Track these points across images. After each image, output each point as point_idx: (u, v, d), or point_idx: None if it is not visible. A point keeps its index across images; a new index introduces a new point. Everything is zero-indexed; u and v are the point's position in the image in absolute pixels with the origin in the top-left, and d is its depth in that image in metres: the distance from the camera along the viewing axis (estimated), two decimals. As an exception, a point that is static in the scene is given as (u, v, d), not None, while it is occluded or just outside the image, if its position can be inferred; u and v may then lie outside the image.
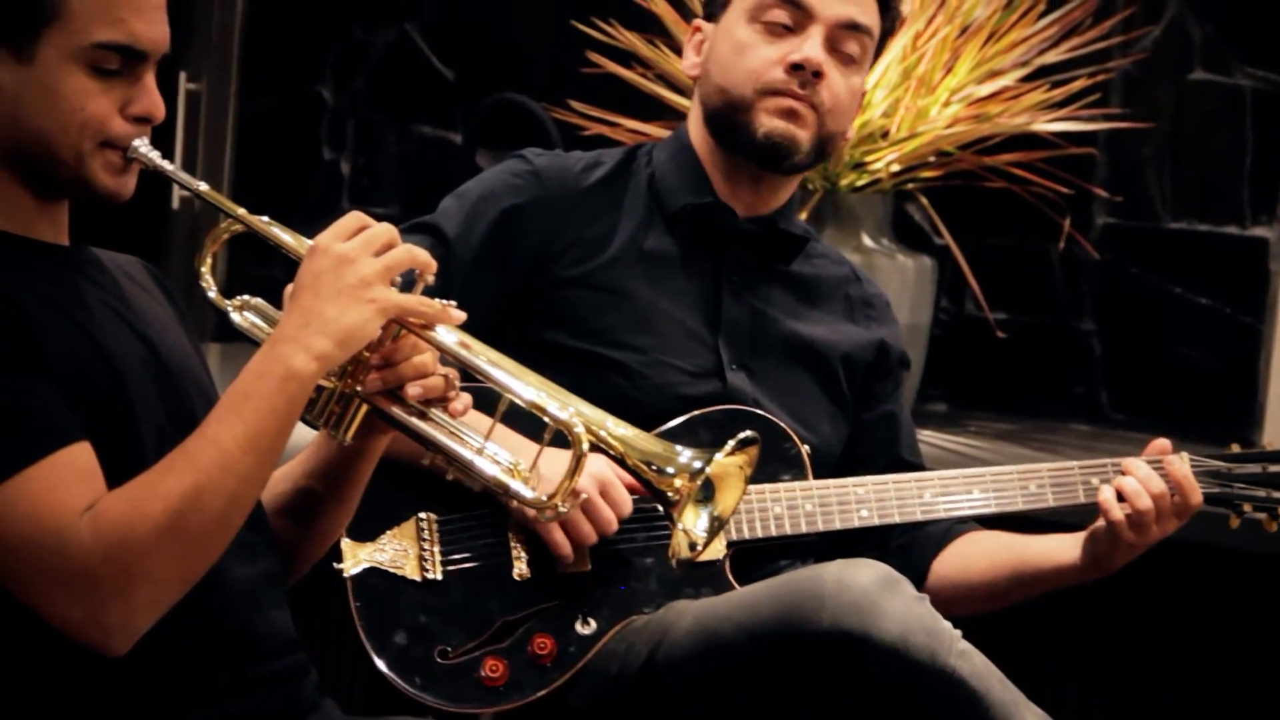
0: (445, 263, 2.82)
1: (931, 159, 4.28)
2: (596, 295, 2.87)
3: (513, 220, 2.86)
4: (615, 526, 2.73)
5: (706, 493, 2.26)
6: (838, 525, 2.86)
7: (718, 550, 2.81)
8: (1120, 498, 2.80)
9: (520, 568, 2.75)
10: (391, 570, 2.72)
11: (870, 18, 2.91)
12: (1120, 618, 3.84)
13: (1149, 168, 4.55)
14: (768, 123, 2.87)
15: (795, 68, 2.86)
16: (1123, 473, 2.83)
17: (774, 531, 2.84)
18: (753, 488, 2.82)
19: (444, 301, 2.22)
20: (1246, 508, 2.91)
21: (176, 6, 5.44)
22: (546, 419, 2.23)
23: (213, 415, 2.10)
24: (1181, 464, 2.84)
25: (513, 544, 2.77)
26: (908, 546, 2.94)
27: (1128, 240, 4.58)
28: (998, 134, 4.25)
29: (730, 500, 2.28)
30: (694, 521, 2.26)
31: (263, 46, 5.40)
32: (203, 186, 2.23)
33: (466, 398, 2.26)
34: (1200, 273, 4.49)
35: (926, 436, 4.25)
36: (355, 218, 2.19)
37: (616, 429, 2.26)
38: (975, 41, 4.21)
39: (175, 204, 5.33)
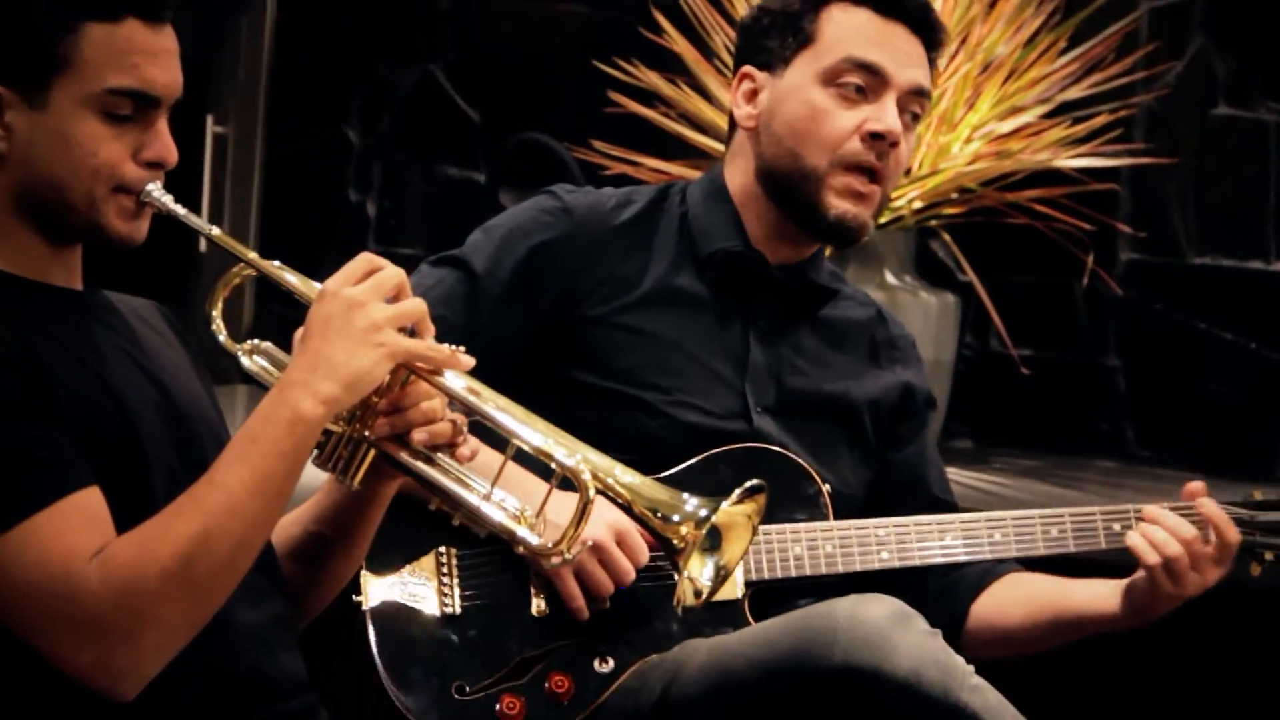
0: (472, 298, 2.82)
1: (954, 196, 4.29)
2: (623, 335, 2.85)
3: (541, 257, 2.85)
4: (631, 577, 2.71)
5: (713, 541, 2.26)
6: (858, 567, 2.84)
7: (737, 590, 2.80)
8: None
9: (539, 604, 2.75)
10: (410, 604, 2.72)
11: (929, 81, 2.90)
12: (1136, 652, 3.82)
13: (1173, 203, 4.55)
14: (839, 205, 2.83)
15: (875, 137, 2.82)
16: (1143, 519, 2.81)
17: (794, 572, 2.82)
18: (773, 527, 2.82)
19: (453, 347, 2.21)
20: (1268, 555, 2.89)
21: (203, 51, 5.47)
22: (553, 465, 2.22)
23: (221, 460, 2.10)
24: (1212, 503, 2.81)
25: (532, 580, 2.76)
26: (947, 590, 2.91)
27: (1152, 276, 4.58)
28: (1020, 170, 4.26)
29: (736, 550, 2.27)
30: (700, 570, 2.26)
31: (289, 89, 5.43)
32: (214, 230, 2.24)
33: (474, 443, 2.25)
34: (1225, 308, 4.49)
35: (951, 474, 4.22)
36: (365, 260, 2.19)
37: (624, 476, 2.25)
38: (996, 78, 4.22)
39: (203, 247, 5.36)
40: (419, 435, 2.21)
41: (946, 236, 4.39)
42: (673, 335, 2.87)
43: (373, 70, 5.41)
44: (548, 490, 2.24)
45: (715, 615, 2.78)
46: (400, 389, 2.21)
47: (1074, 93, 4.27)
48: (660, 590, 2.78)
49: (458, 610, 2.73)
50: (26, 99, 2.14)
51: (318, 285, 2.20)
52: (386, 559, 2.72)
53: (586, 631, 2.75)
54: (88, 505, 2.06)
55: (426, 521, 2.68)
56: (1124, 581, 2.82)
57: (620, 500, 2.25)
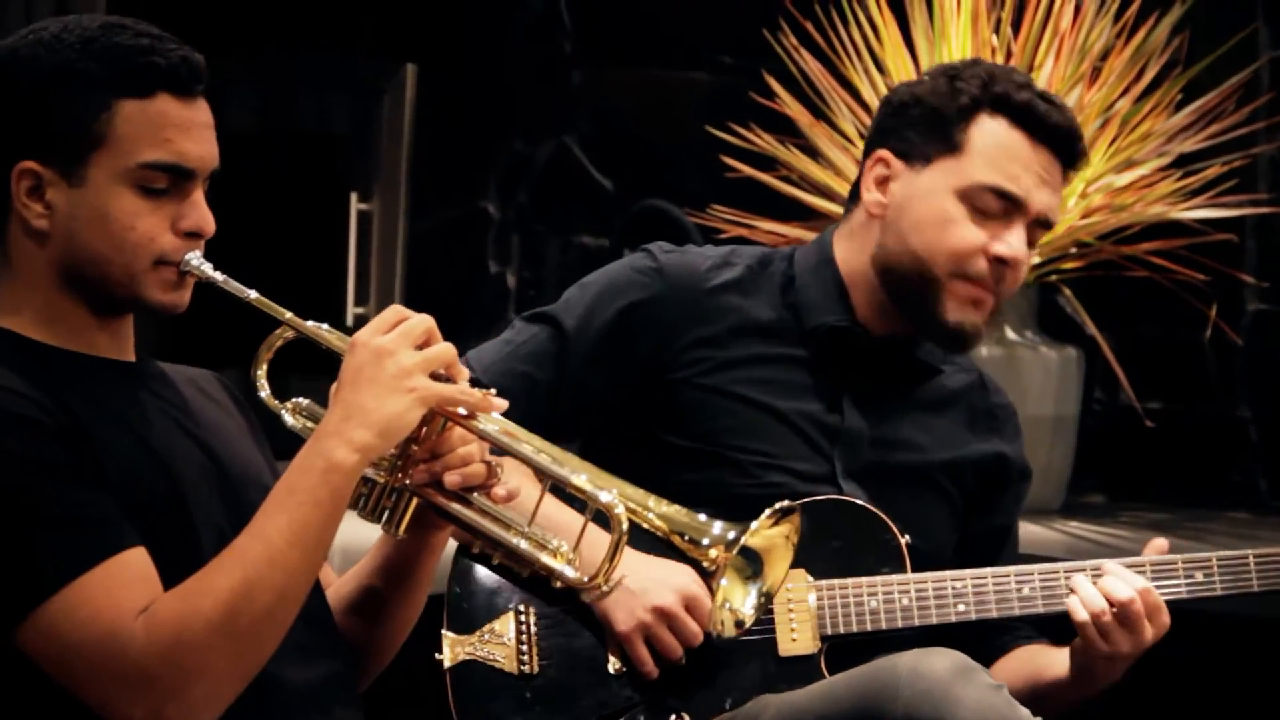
0: (561, 356, 2.86)
1: (1073, 250, 4.27)
2: (712, 397, 2.87)
3: (632, 317, 2.86)
4: (699, 641, 2.74)
5: (755, 568, 2.28)
6: (934, 620, 2.83)
7: (813, 644, 2.82)
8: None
9: (615, 662, 2.78)
10: (489, 663, 2.77)
11: (1057, 210, 2.90)
12: (1219, 706, 3.77)
13: (1300, 252, 4.52)
14: (958, 312, 2.84)
15: (999, 261, 2.83)
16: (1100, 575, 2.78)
17: (869, 626, 2.82)
18: (849, 581, 2.83)
19: (484, 390, 2.25)
20: None
21: (350, 132, 5.57)
22: (589, 501, 2.25)
23: (260, 512, 2.15)
24: (1120, 575, 2.75)
25: (608, 638, 2.80)
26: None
27: (1280, 326, 4.54)
28: (1138, 223, 4.24)
29: (779, 572, 2.28)
30: (742, 599, 2.28)
31: (430, 166, 5.55)
32: (252, 294, 2.28)
33: (513, 485, 2.29)
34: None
35: (1079, 529, 4.22)
36: (394, 311, 2.22)
37: (657, 507, 2.28)
38: (1108, 133, 4.21)
39: (350, 321, 5.49)
40: (451, 478, 2.24)
41: (1068, 291, 4.37)
42: (763, 398, 2.87)
43: (510, 145, 5.51)
44: (583, 524, 2.27)
45: (791, 670, 2.80)
46: (438, 435, 2.25)
47: (1190, 145, 4.23)
48: (735, 647, 2.80)
49: (535, 669, 2.77)
50: (65, 177, 2.21)
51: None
52: (466, 618, 2.78)
53: (663, 688, 2.77)
54: (133, 565, 2.12)
55: (506, 581, 2.75)
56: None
57: (656, 531, 2.27)
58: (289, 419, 2.35)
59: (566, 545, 2.27)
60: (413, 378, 2.17)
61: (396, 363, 2.17)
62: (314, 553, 2.15)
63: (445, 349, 2.21)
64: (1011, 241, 2.81)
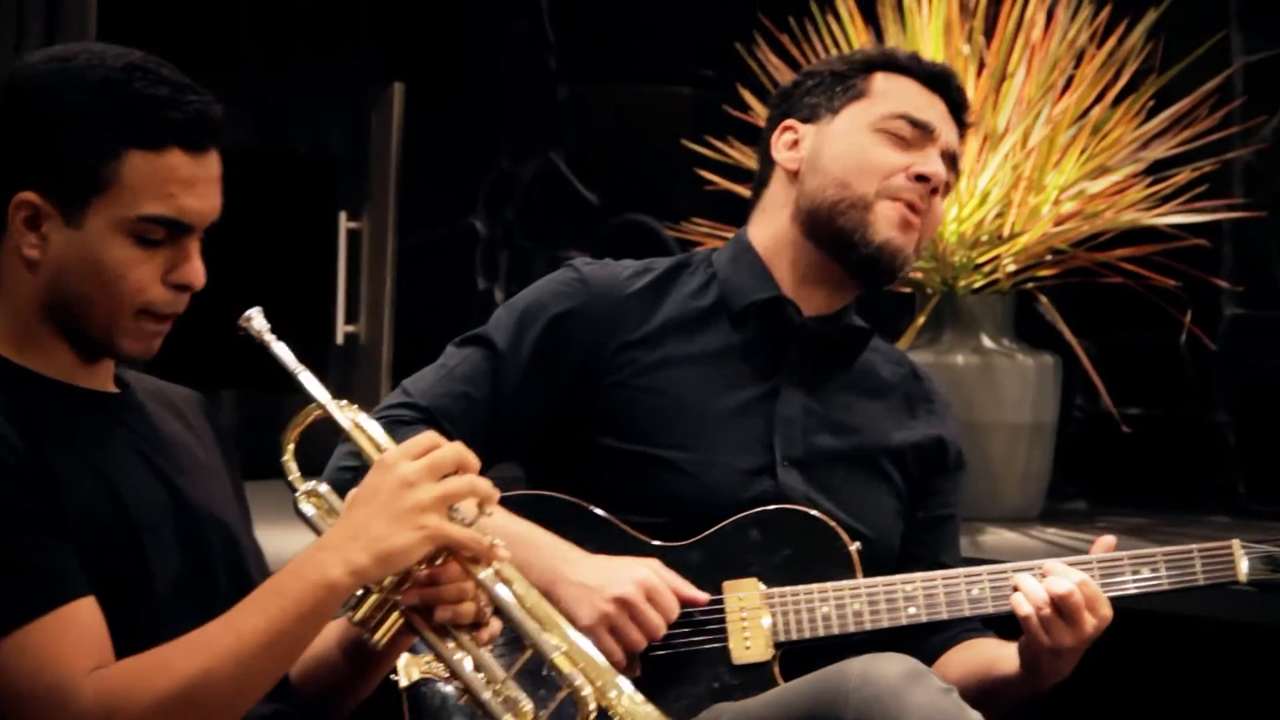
0: (495, 374, 2.91)
1: (1048, 257, 4.29)
2: (645, 397, 2.91)
3: (560, 328, 2.92)
4: (661, 632, 2.77)
5: None
6: (886, 623, 2.86)
7: (766, 652, 2.84)
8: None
9: (572, 673, 2.80)
10: (445, 677, 2.78)
11: (960, 160, 3.05)
12: (1170, 706, 3.78)
13: (1276, 257, 4.51)
14: (886, 231, 2.92)
15: (920, 179, 2.92)
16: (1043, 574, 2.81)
17: (822, 631, 2.85)
18: (801, 588, 2.86)
19: (494, 540, 2.24)
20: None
21: (338, 151, 5.61)
22: (562, 681, 2.26)
23: (243, 603, 2.15)
24: (1059, 571, 2.77)
25: (569, 639, 2.82)
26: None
27: (1258, 330, 4.53)
28: (1111, 229, 4.25)
29: None
30: None
31: (418, 183, 5.59)
32: (301, 371, 2.30)
33: (495, 627, 2.29)
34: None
35: (1055, 536, 4.23)
36: (428, 437, 2.23)
37: (627, 704, 2.26)
38: (1080, 140, 4.22)
39: (340, 339, 5.53)
40: (443, 613, 2.24)
41: (1044, 299, 4.38)
42: (696, 394, 2.92)
43: (496, 162, 5.54)
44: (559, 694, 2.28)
45: (745, 678, 2.82)
46: (440, 564, 2.24)
47: (1160, 151, 4.24)
48: (690, 655, 2.82)
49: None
50: (63, 215, 2.20)
51: (385, 445, 2.26)
52: (422, 634, 2.80)
53: (618, 699, 2.80)
54: (81, 617, 2.12)
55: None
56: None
57: None
58: (302, 504, 2.32)
59: (532, 706, 2.26)
60: (426, 515, 2.18)
61: (414, 497, 2.18)
62: (283, 660, 2.16)
63: (466, 484, 2.22)
64: (928, 162, 2.93)
